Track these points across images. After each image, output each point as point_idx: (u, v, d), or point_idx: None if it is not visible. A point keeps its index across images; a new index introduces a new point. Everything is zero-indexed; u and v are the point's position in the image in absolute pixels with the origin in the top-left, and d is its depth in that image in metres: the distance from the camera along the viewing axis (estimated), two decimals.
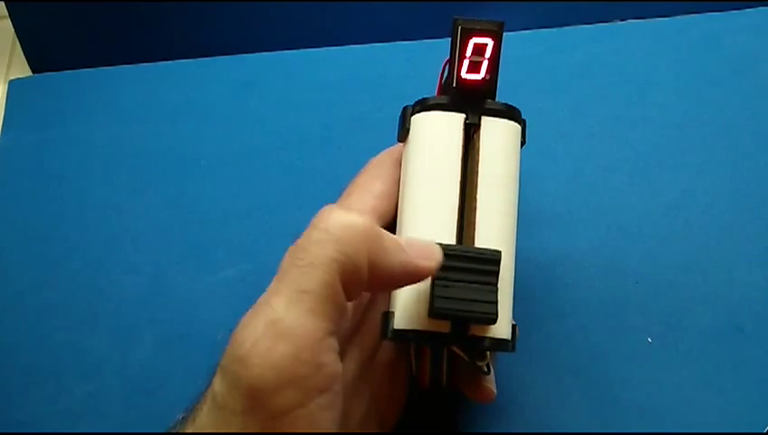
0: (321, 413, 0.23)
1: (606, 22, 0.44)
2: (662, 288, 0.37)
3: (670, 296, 0.37)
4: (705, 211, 0.39)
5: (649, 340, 0.36)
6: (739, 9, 0.43)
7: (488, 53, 0.29)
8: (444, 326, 0.28)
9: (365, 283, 0.25)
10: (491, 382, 0.31)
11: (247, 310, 0.25)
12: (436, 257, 0.26)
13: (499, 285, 0.28)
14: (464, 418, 0.36)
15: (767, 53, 0.42)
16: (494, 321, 0.27)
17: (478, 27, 0.29)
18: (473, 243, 0.28)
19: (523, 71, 0.43)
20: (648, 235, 0.38)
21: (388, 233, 0.26)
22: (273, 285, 0.24)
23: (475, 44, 0.29)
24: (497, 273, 0.27)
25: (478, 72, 0.29)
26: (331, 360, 0.24)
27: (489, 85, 0.29)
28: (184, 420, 0.26)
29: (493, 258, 0.27)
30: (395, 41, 0.45)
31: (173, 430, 0.27)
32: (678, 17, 0.44)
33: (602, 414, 0.35)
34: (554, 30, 0.44)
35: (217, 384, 0.24)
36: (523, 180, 0.40)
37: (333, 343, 0.24)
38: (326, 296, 0.24)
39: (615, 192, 0.40)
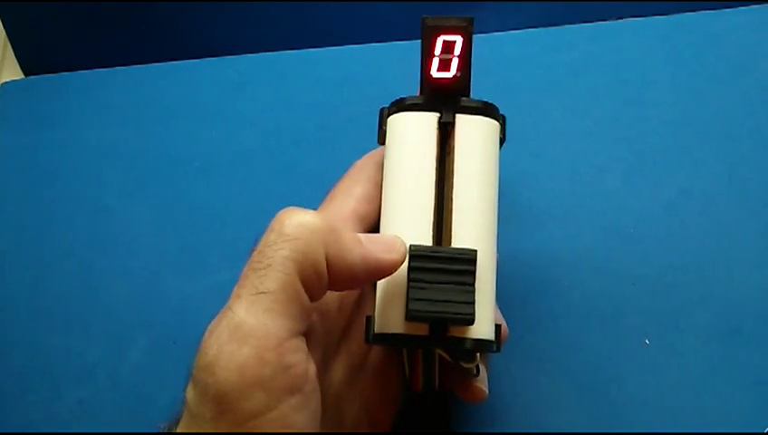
0: (294, 415, 0.23)
1: (602, 20, 0.44)
2: (659, 289, 0.37)
3: (667, 297, 0.37)
4: (702, 211, 0.38)
5: (647, 341, 0.36)
6: (737, 7, 0.43)
7: (457, 51, 0.29)
8: (422, 329, 0.27)
9: (326, 280, 0.25)
10: (482, 383, 0.31)
11: None
12: (398, 250, 0.26)
13: (478, 285, 0.27)
14: (458, 420, 0.36)
15: (764, 51, 0.41)
16: (471, 322, 0.27)
17: (446, 24, 0.28)
18: (450, 243, 0.28)
19: (519, 70, 0.43)
20: (646, 235, 0.38)
21: (348, 230, 0.26)
22: (234, 290, 0.24)
23: (443, 42, 0.28)
24: (473, 272, 0.27)
25: (448, 70, 0.29)
26: (298, 360, 0.24)
27: (461, 83, 0.29)
28: (164, 429, 0.26)
29: (468, 258, 0.27)
30: (390, 41, 0.45)
31: None
32: (676, 15, 0.43)
33: (599, 416, 0.35)
34: (551, 29, 0.44)
35: (189, 394, 0.24)
36: (518, 180, 0.40)
37: (299, 343, 0.24)
38: (286, 296, 0.23)
39: (612, 192, 0.39)
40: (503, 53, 0.44)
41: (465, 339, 0.28)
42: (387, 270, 0.26)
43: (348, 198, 0.31)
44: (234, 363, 0.22)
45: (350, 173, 0.33)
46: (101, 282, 0.41)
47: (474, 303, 0.27)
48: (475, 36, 0.43)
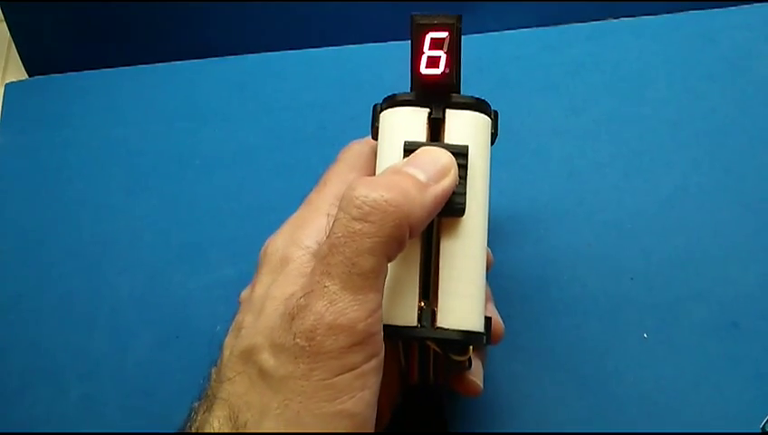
0: (371, 376, 0.26)
1: (600, 20, 0.44)
2: (657, 284, 0.37)
3: (665, 292, 0.37)
4: (699, 207, 0.39)
5: (645, 335, 0.36)
6: (732, 7, 0.43)
7: (446, 47, 0.29)
8: (411, 319, 0.28)
9: (406, 243, 0.27)
10: (476, 376, 0.32)
11: None
12: (450, 166, 0.28)
13: (469, 277, 0.29)
14: (458, 415, 0.36)
15: (760, 50, 0.42)
16: (461, 212, 0.28)
17: (434, 22, 0.29)
18: (439, 238, 0.29)
19: (518, 69, 0.44)
20: (643, 231, 0.39)
21: (411, 178, 0.27)
22: (320, 266, 0.26)
23: (432, 39, 0.29)
24: (465, 166, 0.29)
25: (437, 67, 0.29)
26: (379, 329, 0.26)
27: (449, 79, 0.29)
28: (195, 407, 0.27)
29: (460, 152, 0.29)
30: (389, 41, 0.45)
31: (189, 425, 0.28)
32: (672, 15, 0.44)
33: (598, 410, 0.35)
34: (549, 28, 0.45)
35: (270, 361, 0.26)
36: (517, 178, 0.40)
37: (380, 312, 0.26)
38: (375, 274, 0.26)
39: (610, 189, 0.40)
40: (502, 53, 0.44)
41: (454, 330, 0.28)
42: (450, 192, 0.28)
43: (342, 184, 0.31)
44: (331, 332, 0.25)
45: (345, 156, 0.33)
46: (105, 279, 0.42)
47: (465, 194, 0.28)
48: (474, 36, 0.44)
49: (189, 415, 0.28)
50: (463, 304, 0.29)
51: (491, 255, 0.34)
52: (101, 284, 0.42)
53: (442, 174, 0.28)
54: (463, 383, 0.32)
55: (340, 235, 0.26)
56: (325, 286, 0.25)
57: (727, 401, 0.35)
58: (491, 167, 0.30)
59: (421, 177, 0.27)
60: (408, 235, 0.26)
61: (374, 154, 0.32)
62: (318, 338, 0.25)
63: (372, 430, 0.27)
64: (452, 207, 0.28)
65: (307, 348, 0.25)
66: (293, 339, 0.25)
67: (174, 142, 0.45)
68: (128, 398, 0.39)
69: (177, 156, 0.44)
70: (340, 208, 0.26)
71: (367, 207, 0.26)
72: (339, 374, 0.25)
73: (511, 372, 0.37)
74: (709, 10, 0.43)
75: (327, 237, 0.26)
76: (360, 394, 0.25)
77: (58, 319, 0.41)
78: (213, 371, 0.29)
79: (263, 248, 0.31)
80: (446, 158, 0.28)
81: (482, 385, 0.32)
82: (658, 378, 0.36)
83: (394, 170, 0.28)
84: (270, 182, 0.43)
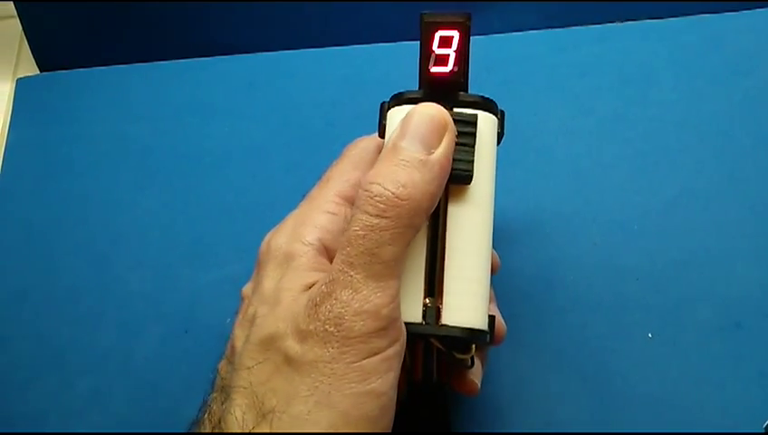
0: (395, 360, 0.27)
1: (607, 23, 0.45)
2: (662, 284, 0.38)
3: (670, 292, 0.37)
4: (704, 209, 0.39)
5: (650, 335, 0.37)
6: (738, 11, 0.44)
7: (454, 46, 0.29)
8: (416, 316, 0.28)
9: (422, 224, 0.28)
10: (476, 376, 0.32)
11: None
12: (446, 125, 0.28)
13: (474, 275, 0.29)
14: (462, 415, 0.36)
15: (765, 53, 0.42)
16: (469, 179, 0.29)
17: (443, 20, 0.29)
18: (445, 235, 0.29)
19: (525, 70, 0.44)
20: (649, 232, 0.39)
21: (410, 155, 0.27)
22: (340, 257, 0.27)
23: (440, 37, 0.29)
24: (474, 134, 0.29)
25: (446, 65, 0.29)
26: (399, 314, 0.27)
27: (457, 77, 0.29)
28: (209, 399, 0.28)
29: (470, 121, 0.29)
30: (397, 41, 0.46)
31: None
32: (679, 18, 0.44)
33: (603, 409, 0.36)
34: (556, 30, 0.45)
35: (294, 348, 0.26)
36: (524, 178, 0.41)
37: (399, 299, 0.27)
38: (396, 262, 0.27)
39: (616, 190, 0.40)
40: (509, 54, 0.44)
41: (457, 328, 0.28)
42: (452, 149, 0.29)
43: (344, 184, 0.31)
44: (358, 318, 0.26)
45: (349, 153, 0.33)
46: (114, 273, 0.42)
47: (472, 161, 0.29)
48: (482, 37, 0.45)
49: (204, 408, 0.28)
50: (467, 301, 0.29)
51: (497, 257, 0.34)
52: (110, 278, 0.42)
53: (439, 134, 0.28)
54: (462, 382, 0.32)
55: (358, 229, 0.26)
56: (349, 276, 0.26)
57: (731, 401, 0.35)
58: (497, 167, 0.31)
59: (418, 148, 0.27)
60: (424, 218, 0.28)
61: (379, 151, 0.31)
62: (346, 324, 0.26)
63: (394, 412, 0.27)
64: (458, 174, 0.29)
65: (336, 333, 0.26)
66: (323, 325, 0.26)
67: (183, 139, 0.45)
68: (135, 392, 0.39)
69: (187, 152, 0.45)
70: (356, 206, 0.27)
71: (382, 205, 0.26)
72: (366, 357, 0.26)
73: (516, 371, 0.37)
74: (715, 14, 0.44)
75: (345, 231, 0.27)
76: (386, 375, 0.26)
77: (66, 313, 0.41)
78: (222, 364, 0.29)
79: (263, 244, 0.31)
80: (438, 113, 0.28)
81: (480, 385, 0.32)
82: (663, 377, 0.36)
83: (392, 148, 0.28)
84: (278, 179, 0.43)
